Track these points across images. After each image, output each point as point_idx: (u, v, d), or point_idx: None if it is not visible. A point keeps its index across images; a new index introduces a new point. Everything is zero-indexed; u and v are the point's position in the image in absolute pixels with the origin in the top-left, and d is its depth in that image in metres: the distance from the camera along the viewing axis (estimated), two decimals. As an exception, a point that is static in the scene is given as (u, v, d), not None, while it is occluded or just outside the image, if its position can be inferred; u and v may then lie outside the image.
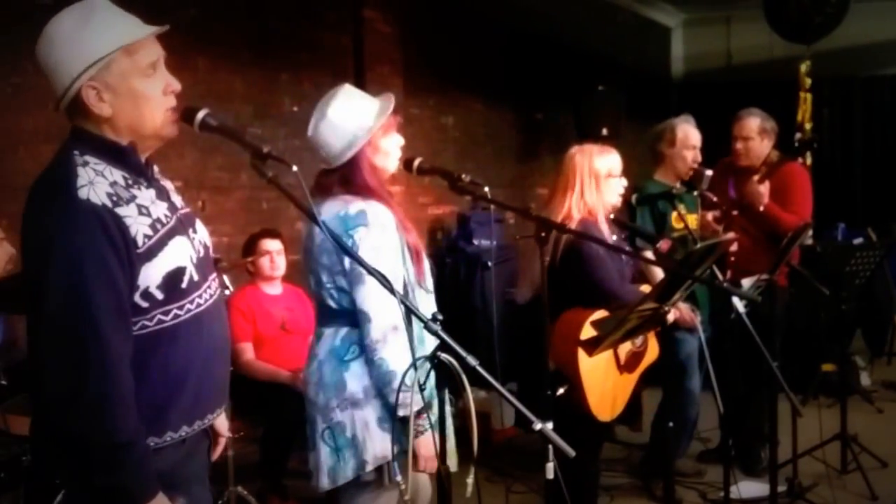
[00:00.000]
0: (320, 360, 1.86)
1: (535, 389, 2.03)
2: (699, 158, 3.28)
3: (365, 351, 1.77)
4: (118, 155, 1.35)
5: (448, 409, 1.43)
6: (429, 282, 1.91)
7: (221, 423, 1.60)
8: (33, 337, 1.30)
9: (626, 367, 2.45)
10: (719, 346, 3.08)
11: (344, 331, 1.83)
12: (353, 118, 1.83)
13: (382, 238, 1.77)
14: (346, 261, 1.78)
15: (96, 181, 1.30)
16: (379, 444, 1.78)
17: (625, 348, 2.43)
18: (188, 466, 1.44)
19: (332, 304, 1.85)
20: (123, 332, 1.30)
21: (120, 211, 1.31)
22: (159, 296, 1.33)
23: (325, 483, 1.83)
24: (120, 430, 1.27)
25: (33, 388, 1.34)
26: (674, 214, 3.21)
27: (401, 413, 1.72)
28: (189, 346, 1.37)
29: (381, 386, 1.77)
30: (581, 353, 2.28)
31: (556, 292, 2.37)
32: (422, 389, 1.45)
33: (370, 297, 1.74)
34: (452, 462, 1.84)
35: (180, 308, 1.36)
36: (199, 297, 1.40)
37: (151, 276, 1.33)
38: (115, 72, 1.32)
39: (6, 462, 2.28)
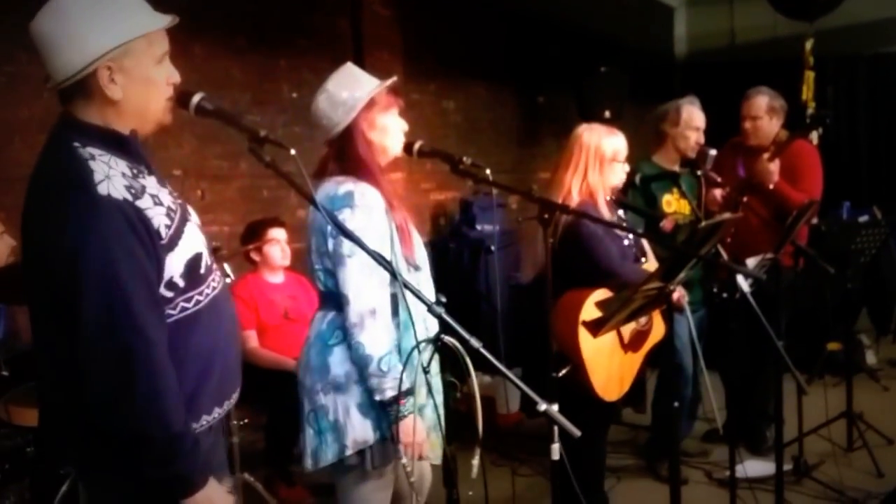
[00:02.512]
0: (309, 342, 1.88)
1: (540, 372, 2.02)
2: (702, 140, 3.26)
3: (346, 334, 1.78)
4: (120, 144, 1.33)
5: (440, 398, 1.42)
6: (420, 258, 1.88)
7: None
8: (65, 336, 1.27)
9: (630, 346, 2.44)
10: (724, 325, 3.07)
11: (331, 314, 1.84)
12: (349, 88, 1.83)
13: (367, 221, 1.76)
14: (330, 243, 1.78)
15: (112, 175, 1.29)
16: (359, 429, 1.79)
17: (628, 327, 2.41)
18: (217, 453, 1.47)
19: (320, 286, 1.86)
20: (161, 324, 1.31)
21: (140, 204, 1.30)
22: (181, 284, 1.35)
23: (308, 464, 1.86)
24: (175, 421, 1.29)
25: (50, 385, 1.35)
26: (665, 198, 3.19)
27: (377, 398, 1.74)
28: (210, 330, 1.39)
29: (359, 369, 1.77)
30: (582, 334, 2.26)
31: (558, 273, 2.36)
32: (426, 372, 1.44)
33: (349, 280, 1.75)
34: (436, 454, 1.83)
35: (200, 294, 1.37)
36: (213, 280, 1.42)
37: (174, 265, 1.33)
38: (134, 56, 1.32)
39: (10, 453, 2.29)
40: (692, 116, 3.27)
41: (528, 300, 1.99)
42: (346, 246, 1.74)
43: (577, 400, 2.19)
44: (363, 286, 1.74)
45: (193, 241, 1.38)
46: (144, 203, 1.31)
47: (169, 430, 1.28)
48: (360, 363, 1.76)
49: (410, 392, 1.73)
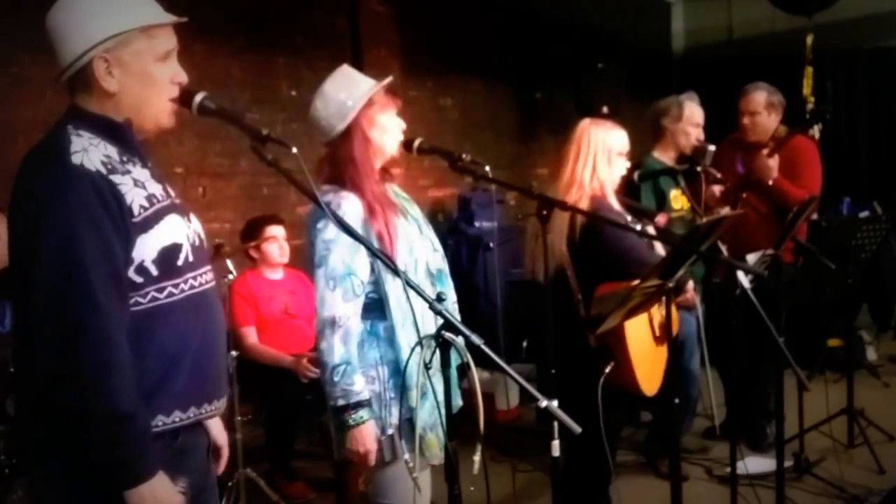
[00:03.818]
0: None
1: (574, 369, 2.00)
2: (702, 136, 3.27)
3: None
4: (114, 132, 1.34)
5: (439, 395, 1.42)
6: (408, 262, 1.86)
7: (219, 433, 1.53)
8: (22, 307, 1.27)
9: (659, 338, 2.42)
10: (724, 322, 3.08)
11: None
12: (347, 89, 1.84)
13: (337, 231, 1.76)
14: (310, 251, 1.82)
15: (90, 148, 1.29)
16: None
17: (657, 319, 2.38)
18: (181, 464, 1.36)
19: None
20: (119, 300, 1.27)
21: (114, 178, 1.29)
22: (154, 271, 1.30)
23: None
24: (120, 400, 1.23)
25: (22, 363, 1.31)
26: (672, 193, 3.20)
27: (330, 403, 1.77)
28: (184, 328, 1.34)
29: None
30: (627, 326, 2.21)
31: (582, 268, 2.35)
32: (427, 368, 1.44)
33: (316, 289, 1.80)
34: (432, 454, 1.83)
35: (175, 286, 1.33)
36: (195, 279, 1.37)
37: (146, 249, 1.30)
38: (132, 50, 1.32)
39: (18, 449, 2.29)
40: (693, 112, 3.28)
41: (554, 297, 1.98)
42: (317, 256, 1.79)
43: (610, 396, 2.17)
44: (325, 297, 1.77)
45: (175, 232, 1.34)
46: (121, 179, 1.29)
47: (115, 408, 1.21)
48: (320, 369, 1.80)
49: (361, 405, 1.75)
